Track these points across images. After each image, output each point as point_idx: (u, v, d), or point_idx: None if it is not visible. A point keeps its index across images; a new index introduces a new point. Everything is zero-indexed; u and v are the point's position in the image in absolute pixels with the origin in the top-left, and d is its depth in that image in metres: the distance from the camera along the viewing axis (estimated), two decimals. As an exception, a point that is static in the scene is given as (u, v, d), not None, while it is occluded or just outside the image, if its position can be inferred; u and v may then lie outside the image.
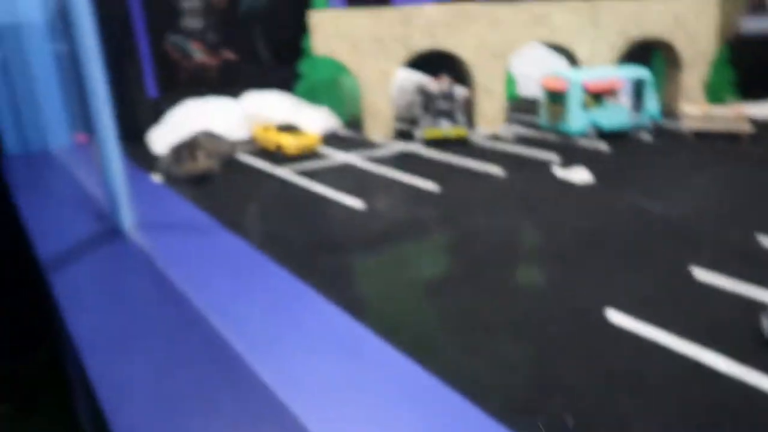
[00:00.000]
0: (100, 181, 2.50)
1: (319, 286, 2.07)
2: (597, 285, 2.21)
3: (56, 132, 4.45)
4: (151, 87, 5.34)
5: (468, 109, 5.33)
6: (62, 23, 4.20)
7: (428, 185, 3.63)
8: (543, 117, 4.95)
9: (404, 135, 5.13)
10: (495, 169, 3.94)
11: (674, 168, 3.85)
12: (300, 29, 5.85)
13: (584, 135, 4.72)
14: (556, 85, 4.70)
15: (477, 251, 2.71)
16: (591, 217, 3.04)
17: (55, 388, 4.10)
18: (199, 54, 5.48)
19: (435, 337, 1.91)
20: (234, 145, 4.56)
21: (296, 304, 1.85)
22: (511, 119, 5.54)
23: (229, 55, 5.63)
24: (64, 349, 1.84)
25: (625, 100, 4.72)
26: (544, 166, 4.02)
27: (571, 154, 4.29)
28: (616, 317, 1.86)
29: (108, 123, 2.34)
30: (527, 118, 5.72)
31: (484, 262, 2.59)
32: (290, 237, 2.84)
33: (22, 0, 4.10)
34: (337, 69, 5.83)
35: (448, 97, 5.06)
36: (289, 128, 4.73)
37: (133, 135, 5.07)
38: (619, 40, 5.38)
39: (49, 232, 2.57)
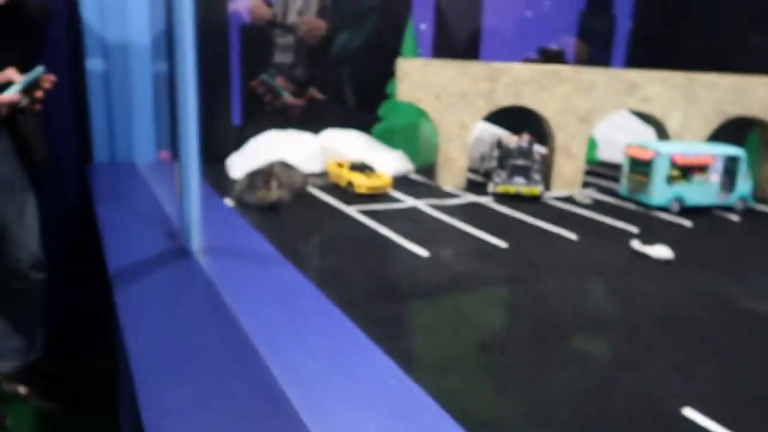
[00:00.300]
0: (176, 199, 2.56)
1: (374, 333, 2.02)
2: (672, 374, 2.04)
3: (143, 146, 4.67)
4: (236, 115, 5.53)
5: (545, 168, 5.23)
6: (166, 44, 4.43)
7: (496, 240, 3.53)
8: (623, 185, 4.78)
9: (476, 186, 5.06)
10: (567, 233, 3.80)
11: (765, 254, 3.59)
12: (387, 74, 5.95)
13: (666, 208, 4.51)
14: (641, 154, 4.55)
15: (542, 315, 2.58)
16: (668, 297, 2.86)
17: (104, 392, 4.18)
18: (287, 95, 5.66)
19: (493, 406, 1.79)
20: (307, 178, 4.61)
21: (351, 353, 1.79)
22: (587, 183, 5.38)
23: (315, 94, 5.78)
24: (118, 359, 1.86)
25: (714, 177, 4.51)
26: (621, 235, 3.85)
27: (651, 227, 4.09)
28: (697, 418, 1.69)
29: (193, 146, 2.41)
30: (605, 183, 5.54)
31: (549, 327, 2.46)
32: (350, 276, 2.81)
33: (134, 19, 4.36)
34: (417, 115, 5.87)
35: (526, 154, 4.99)
36: (362, 167, 4.76)
37: (213, 158, 5.23)
38: (713, 116, 5.18)
39: (121, 243, 2.65)
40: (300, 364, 1.76)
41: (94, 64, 4.41)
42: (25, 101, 2.78)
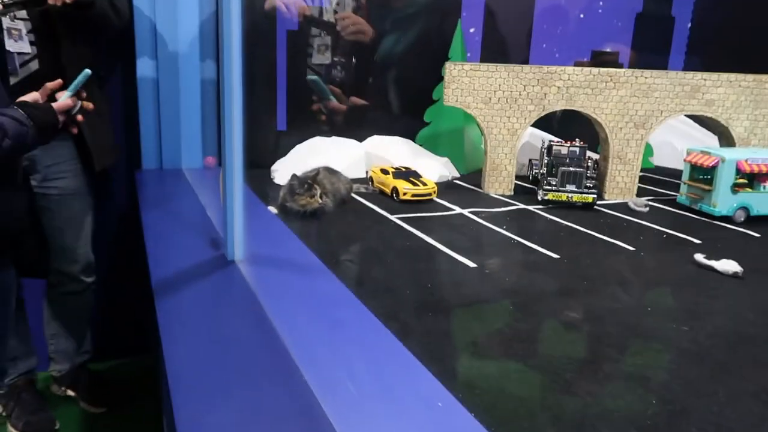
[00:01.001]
0: (220, 207, 2.53)
1: (420, 350, 1.92)
2: (749, 403, 1.87)
3: (190, 152, 4.70)
4: (281, 120, 5.52)
5: (598, 175, 5.05)
6: (213, 48, 4.44)
7: (547, 251, 3.41)
8: (683, 193, 4.56)
9: (524, 194, 4.93)
10: (623, 243, 3.64)
11: (841, 270, 3.34)
12: (434, 78, 5.85)
13: (730, 218, 4.26)
14: (703, 161, 4.31)
15: (598, 333, 2.44)
16: (738, 314, 2.66)
17: (149, 391, 4.21)
18: (334, 99, 5.62)
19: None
20: (351, 184, 4.56)
21: (395, 371, 1.70)
22: (643, 190, 5.17)
23: (358, 100, 5.74)
24: (160, 364, 1.81)
25: (785, 186, 4.24)
26: (682, 246, 3.65)
27: (714, 238, 3.87)
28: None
29: (237, 153, 2.37)
30: (662, 191, 5.32)
31: (606, 346, 2.32)
32: (394, 288, 2.74)
33: (184, 22, 4.36)
34: (464, 120, 5.77)
35: (578, 160, 4.83)
36: (407, 173, 4.69)
37: (257, 164, 5.23)
38: (783, 120, 4.89)
39: (164, 251, 2.64)
40: (341, 382, 1.68)
41: (144, 68, 4.47)
42: (76, 108, 2.79)
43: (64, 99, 2.72)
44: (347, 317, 2.09)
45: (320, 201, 3.72)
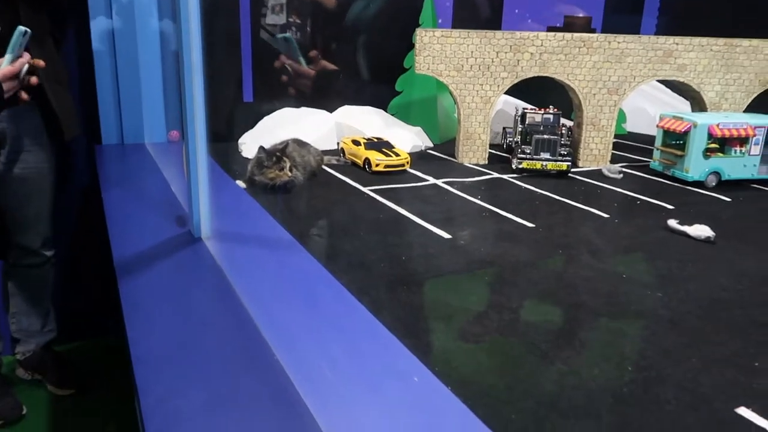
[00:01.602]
0: (185, 182, 2.46)
1: (395, 325, 1.89)
2: (723, 368, 1.89)
3: (153, 126, 4.56)
4: (247, 92, 5.39)
5: (572, 142, 5.05)
6: (172, 18, 4.28)
7: (522, 220, 3.40)
8: (656, 159, 4.59)
9: (499, 162, 4.92)
10: (598, 211, 3.65)
11: (811, 231, 3.41)
12: (404, 46, 5.76)
13: (703, 183, 4.31)
14: (676, 126, 4.34)
15: (574, 301, 2.44)
16: (711, 280, 2.70)
17: (116, 371, 4.14)
18: (303, 62, 5.49)
19: (522, 403, 1.66)
20: (321, 156, 4.49)
21: (370, 347, 1.67)
22: (616, 157, 5.20)
23: (328, 65, 5.61)
24: (125, 346, 1.76)
25: (755, 150, 4.29)
26: (655, 212, 3.69)
27: (687, 203, 3.91)
28: (753, 418, 1.55)
29: (199, 125, 2.28)
30: (635, 157, 5.36)
31: (582, 314, 2.32)
32: (368, 262, 2.72)
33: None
34: (436, 89, 5.71)
35: (552, 127, 4.83)
36: (379, 144, 4.63)
37: (223, 137, 5.11)
38: (754, 86, 4.93)
39: (126, 229, 2.56)
40: (316, 360, 1.64)
41: (100, 38, 4.29)
42: (24, 71, 2.63)
43: (4, 65, 2.57)
44: (320, 293, 2.05)
45: (289, 174, 3.66)
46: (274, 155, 3.73)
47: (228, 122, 5.27)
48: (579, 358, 1.98)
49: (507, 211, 3.59)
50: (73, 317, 4.82)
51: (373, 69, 5.94)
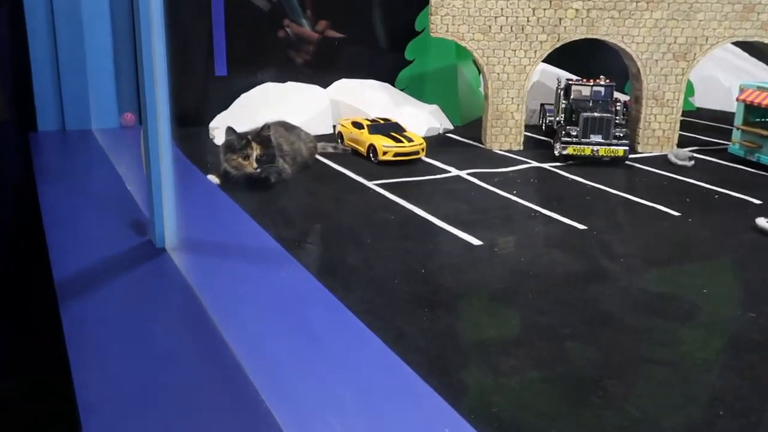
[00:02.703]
0: (144, 178, 2.43)
1: (417, 360, 1.83)
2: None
3: (101, 108, 4.53)
4: (220, 63, 5.34)
5: (629, 122, 5.00)
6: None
7: (569, 221, 3.39)
8: (736, 141, 4.52)
9: (537, 148, 4.89)
10: (665, 208, 3.63)
11: None
12: (414, 3, 5.72)
13: (798, 171, 4.25)
14: (761, 99, 4.26)
15: (643, 325, 2.38)
16: (815, 294, 2.63)
17: (65, 409, 4.09)
18: (306, 23, 5.48)
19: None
20: (315, 143, 4.46)
21: (387, 390, 1.62)
22: (685, 139, 5.15)
23: (334, 33, 5.62)
24: (70, 387, 1.71)
25: None
26: (738, 209, 3.64)
27: (779, 197, 3.86)
28: None
29: (162, 107, 2.24)
30: (708, 139, 5.31)
31: (654, 344, 2.26)
32: (376, 275, 2.69)
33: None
34: (456, 56, 5.68)
35: (603, 103, 4.78)
36: (386, 127, 4.60)
37: (191, 120, 5.06)
38: None
39: (69, 236, 2.53)
40: (317, 410, 1.58)
41: (34, 9, 4.26)
42: None
43: None
44: (318, 318, 2.00)
45: (254, 165, 3.64)
46: (244, 138, 3.73)
47: (196, 102, 5.23)
48: (654, 400, 1.92)
49: (551, 210, 3.55)
50: (9, 351, 4.77)
51: (377, 32, 5.89)
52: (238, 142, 3.74)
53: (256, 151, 3.70)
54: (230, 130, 3.79)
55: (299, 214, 3.46)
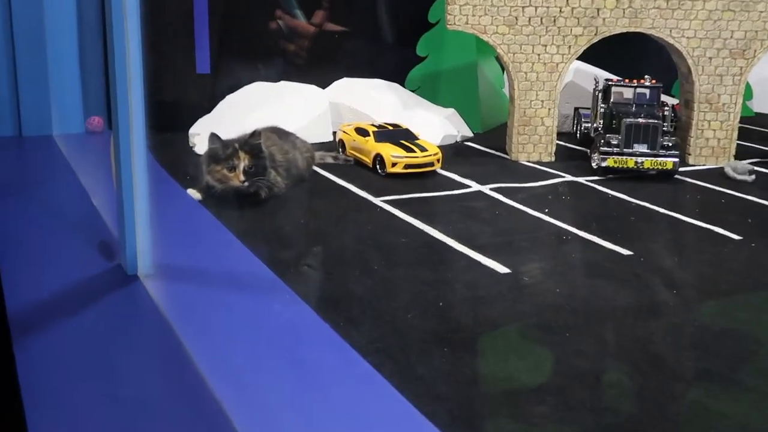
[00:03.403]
0: (113, 193, 2.43)
1: (429, 403, 1.80)
2: None
3: (65, 111, 4.54)
4: (202, 59, 5.36)
5: (679, 129, 5.00)
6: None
7: (612, 245, 3.39)
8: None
9: (571, 159, 4.90)
10: (723, 230, 3.63)
11: None
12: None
13: None
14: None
15: (701, 368, 2.37)
16: None
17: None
18: (301, 15, 5.53)
19: None
20: (312, 152, 4.47)
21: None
22: (744, 149, 5.15)
23: (335, 27, 5.66)
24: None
25: None
26: (810, 232, 3.62)
27: None
28: None
29: (135, 111, 2.26)
30: None
31: (720, 394, 2.23)
32: (386, 308, 2.69)
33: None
34: (476, 53, 5.70)
35: (649, 108, 4.78)
36: (395, 134, 4.61)
37: (168, 125, 5.05)
38: None
39: (25, 260, 2.54)
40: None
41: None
42: None
43: None
44: (317, 358, 1.98)
45: (242, 179, 3.66)
46: (230, 147, 3.75)
47: (175, 104, 5.24)
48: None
49: (589, 232, 3.55)
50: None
51: (383, 24, 5.92)
52: (222, 150, 3.74)
53: (243, 161, 3.70)
54: (214, 137, 3.79)
55: (294, 235, 3.45)
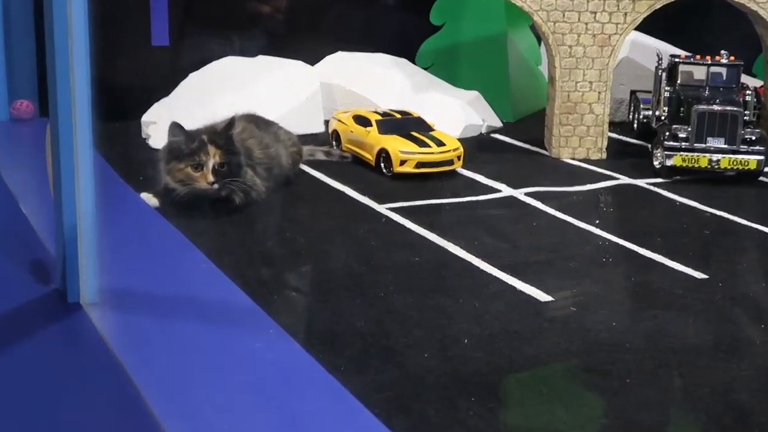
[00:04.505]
0: (50, 198, 2.46)
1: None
2: None
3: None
4: (159, 29, 5.38)
5: (763, 119, 5.01)
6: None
7: (681, 266, 3.39)
8: None
9: (626, 155, 4.91)
10: None
11: None
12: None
13: None
14: None
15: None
16: None
17: None
18: None
19: None
20: (299, 147, 4.48)
21: None
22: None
23: None
24: None
25: None
26: None
27: None
28: None
29: (79, 95, 2.30)
30: None
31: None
32: (396, 345, 2.69)
33: None
34: (504, 21, 5.71)
35: (726, 92, 4.78)
36: (404, 124, 4.63)
37: (117, 112, 5.07)
38: None
39: None
40: None
41: None
42: None
43: None
44: (310, 411, 1.98)
45: (210, 179, 3.64)
46: (197, 140, 3.77)
47: (125, 85, 5.25)
48: None
49: (652, 250, 3.55)
50: None
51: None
52: (186, 144, 3.74)
53: (213, 157, 3.70)
54: (175, 127, 3.79)
55: (279, 253, 3.46)
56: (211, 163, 3.70)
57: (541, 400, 2.49)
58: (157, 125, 4.87)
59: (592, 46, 4.77)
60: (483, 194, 4.19)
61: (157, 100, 5.19)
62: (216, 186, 3.72)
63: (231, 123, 3.88)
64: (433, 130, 4.63)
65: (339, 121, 4.85)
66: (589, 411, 2.45)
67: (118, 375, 2.05)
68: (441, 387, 2.46)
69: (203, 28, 5.42)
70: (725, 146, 4.52)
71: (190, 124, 3.97)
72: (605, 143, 4.89)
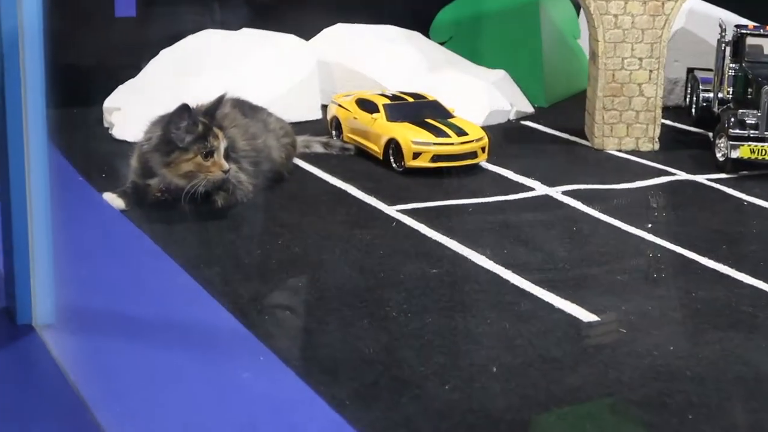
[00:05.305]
0: None
1: None
2: None
3: None
4: (123, -2, 5.40)
5: None
6: None
7: (751, 278, 3.43)
8: None
9: (683, 145, 4.91)
10: None
11: None
12: None
13: None
14: None
15: None
16: None
17: None
18: None
19: None
20: (293, 138, 4.49)
21: None
22: None
23: None
24: None
25: None
26: None
27: None
28: None
29: (31, 75, 2.32)
30: None
31: None
32: (411, 375, 2.70)
33: None
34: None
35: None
36: (417, 109, 4.63)
37: (75, 97, 5.09)
38: None
39: None
40: None
41: None
42: None
43: None
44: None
45: (226, 166, 3.63)
46: (199, 123, 3.81)
47: (83, 66, 5.27)
48: None
49: (716, 259, 3.57)
50: None
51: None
52: (188, 129, 3.79)
53: (223, 141, 3.77)
54: (183, 110, 3.84)
55: (270, 264, 3.46)
56: (222, 148, 3.72)
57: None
58: (122, 112, 4.87)
59: (642, 15, 4.76)
60: (512, 193, 4.19)
61: (122, 82, 5.20)
62: (225, 174, 3.79)
63: (219, 101, 3.90)
64: (452, 116, 4.63)
65: (339, 106, 4.85)
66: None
67: (77, 411, 2.05)
68: (466, 427, 2.45)
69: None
70: (804, 133, 4.51)
71: (161, 111, 3.97)
72: (658, 132, 4.90)
